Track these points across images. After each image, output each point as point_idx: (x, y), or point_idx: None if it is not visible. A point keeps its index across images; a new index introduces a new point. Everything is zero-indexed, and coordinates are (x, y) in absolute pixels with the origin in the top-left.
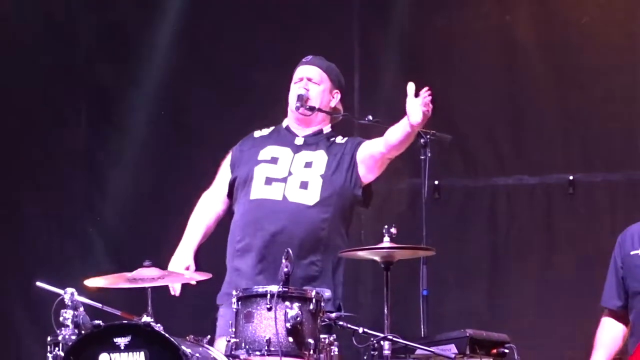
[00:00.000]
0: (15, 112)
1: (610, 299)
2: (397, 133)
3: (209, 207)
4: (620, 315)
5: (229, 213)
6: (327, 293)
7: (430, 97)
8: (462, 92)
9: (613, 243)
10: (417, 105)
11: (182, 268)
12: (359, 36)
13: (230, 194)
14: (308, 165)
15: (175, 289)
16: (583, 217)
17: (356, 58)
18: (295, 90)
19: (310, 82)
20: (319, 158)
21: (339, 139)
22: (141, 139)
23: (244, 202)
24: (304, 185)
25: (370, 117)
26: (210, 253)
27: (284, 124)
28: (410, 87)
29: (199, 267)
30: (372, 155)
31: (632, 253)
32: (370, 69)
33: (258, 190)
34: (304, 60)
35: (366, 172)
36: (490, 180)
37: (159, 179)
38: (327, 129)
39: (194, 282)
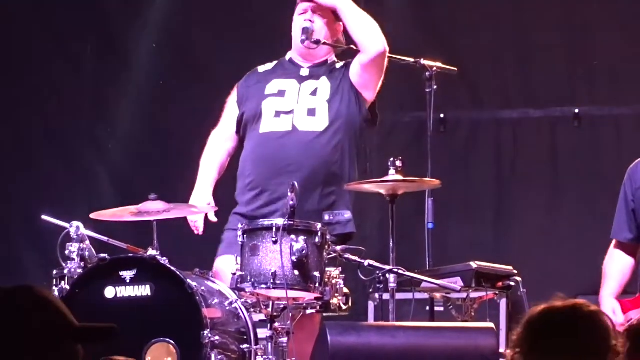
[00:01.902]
0: (21, 46)
1: (620, 231)
2: (347, 23)
3: (220, 145)
4: (630, 248)
5: (239, 149)
6: (347, 214)
7: None
8: (468, 24)
9: (618, 176)
10: None
11: (204, 211)
12: None
13: (239, 130)
14: (313, 93)
15: (199, 228)
16: (588, 150)
17: None
18: (300, 22)
19: (315, 13)
20: (323, 84)
21: (339, 64)
22: (147, 72)
23: (253, 137)
24: (311, 112)
25: None
26: (217, 187)
27: (287, 56)
28: None
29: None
30: (360, 64)
31: None
32: (375, 0)
33: (267, 124)
34: None
35: (364, 88)
36: (496, 114)
37: (164, 112)
38: (330, 59)
39: (214, 219)
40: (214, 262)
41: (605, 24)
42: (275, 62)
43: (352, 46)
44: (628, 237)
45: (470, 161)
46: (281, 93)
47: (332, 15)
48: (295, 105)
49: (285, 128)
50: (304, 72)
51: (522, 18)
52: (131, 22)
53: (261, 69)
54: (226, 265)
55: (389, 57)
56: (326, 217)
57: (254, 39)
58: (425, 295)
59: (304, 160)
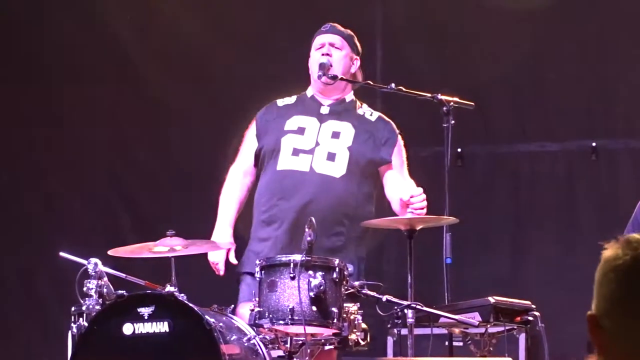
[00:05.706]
0: (38, 78)
1: None
2: (392, 200)
3: (238, 181)
4: None
5: (257, 183)
6: (350, 268)
7: (424, 204)
8: (484, 58)
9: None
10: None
11: (225, 247)
12: (381, 3)
13: (257, 164)
14: (335, 135)
15: (220, 270)
16: (606, 183)
17: (378, 25)
18: (317, 57)
19: (333, 47)
20: (346, 129)
21: (368, 114)
22: (165, 106)
23: (270, 173)
24: (331, 156)
25: (393, 85)
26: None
27: (309, 93)
28: (405, 194)
29: None
30: (382, 182)
31: None
32: (392, 36)
33: (285, 161)
34: (322, 29)
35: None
36: (513, 147)
37: (183, 149)
38: (349, 96)
39: (234, 261)
40: (237, 307)
41: (622, 56)
42: (295, 97)
43: (370, 82)
44: None
45: (488, 195)
46: (301, 130)
47: (350, 50)
48: (315, 146)
49: (303, 168)
50: (325, 110)
51: (538, 51)
52: (147, 50)
53: (280, 102)
54: (249, 312)
55: (405, 92)
56: None
57: (273, 71)
58: (444, 331)
59: (318, 199)
